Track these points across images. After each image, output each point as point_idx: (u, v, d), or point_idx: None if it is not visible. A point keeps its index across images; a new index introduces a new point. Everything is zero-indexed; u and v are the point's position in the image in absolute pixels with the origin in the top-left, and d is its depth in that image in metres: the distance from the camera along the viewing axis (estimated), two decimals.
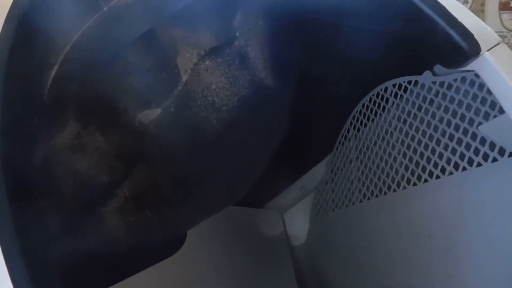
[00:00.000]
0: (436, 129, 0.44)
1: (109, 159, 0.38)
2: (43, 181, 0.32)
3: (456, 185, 0.41)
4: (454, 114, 0.41)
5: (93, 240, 0.37)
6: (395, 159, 0.50)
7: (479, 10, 0.91)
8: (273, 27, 0.43)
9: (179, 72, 0.39)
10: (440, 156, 0.43)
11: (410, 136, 0.48)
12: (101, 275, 0.36)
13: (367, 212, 0.56)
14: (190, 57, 0.39)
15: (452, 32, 0.26)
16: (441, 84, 0.42)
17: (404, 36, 0.30)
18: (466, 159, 0.39)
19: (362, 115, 0.59)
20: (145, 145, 0.40)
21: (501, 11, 0.93)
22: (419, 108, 0.47)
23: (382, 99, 0.54)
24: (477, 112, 0.38)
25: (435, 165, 0.43)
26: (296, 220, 0.78)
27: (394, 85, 0.51)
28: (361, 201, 0.57)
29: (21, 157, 0.29)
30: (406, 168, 0.48)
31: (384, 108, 0.53)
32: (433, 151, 0.44)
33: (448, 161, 0.42)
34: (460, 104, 0.40)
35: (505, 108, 0.28)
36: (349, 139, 0.62)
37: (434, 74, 0.42)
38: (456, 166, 0.41)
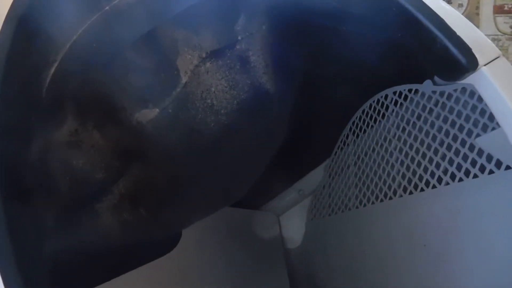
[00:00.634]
0: (434, 138, 0.44)
1: (105, 156, 0.38)
2: (39, 177, 0.32)
3: (452, 195, 0.41)
4: (453, 124, 0.41)
5: (86, 236, 0.37)
6: (392, 167, 0.50)
7: (474, 14, 0.92)
8: (276, 32, 0.43)
9: (179, 73, 0.39)
10: (437, 165, 0.43)
11: (408, 144, 0.48)
12: (93, 272, 0.36)
13: (362, 219, 0.56)
14: (191, 59, 0.39)
15: (449, 45, 0.26)
16: (441, 93, 0.42)
17: (404, 45, 0.30)
18: (463, 170, 0.39)
19: (361, 121, 0.59)
20: (142, 144, 0.40)
21: (496, 15, 0.93)
22: (418, 117, 0.47)
23: (382, 106, 0.54)
24: (475, 124, 0.38)
25: (432, 174, 0.43)
26: (292, 223, 0.78)
27: (394, 93, 0.51)
28: (357, 207, 0.57)
29: (17, 153, 0.29)
30: (403, 176, 0.48)
31: (383, 115, 0.53)
32: (431, 160, 0.44)
33: (445, 171, 0.42)
34: (459, 114, 0.40)
35: (500, 123, 0.28)
36: (348, 144, 0.62)
37: (435, 84, 0.42)
38: (453, 177, 0.41)
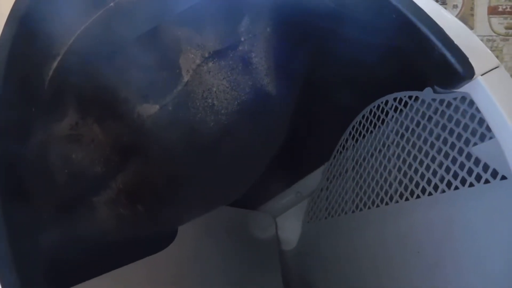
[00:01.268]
0: (432, 146, 0.44)
1: (104, 151, 0.38)
2: (37, 169, 0.33)
3: (448, 203, 0.41)
4: (451, 132, 0.42)
5: (82, 229, 0.37)
6: (390, 173, 0.50)
7: (468, 15, 0.93)
8: (280, 34, 0.43)
9: (181, 72, 0.39)
10: (434, 173, 0.43)
11: (406, 151, 0.48)
12: (88, 265, 0.37)
13: (358, 223, 0.57)
14: (194, 58, 0.39)
15: (447, 54, 0.27)
16: (441, 102, 0.43)
17: (403, 51, 0.31)
18: (459, 178, 0.40)
19: (361, 126, 0.59)
20: (141, 140, 0.40)
21: (490, 15, 0.94)
22: (418, 124, 0.47)
23: (382, 111, 0.54)
24: (473, 133, 0.38)
25: (429, 181, 0.44)
26: (288, 224, 0.78)
27: (395, 99, 0.51)
28: (353, 211, 0.57)
29: (16, 145, 0.29)
30: (400, 182, 0.48)
31: (383, 121, 0.54)
32: (428, 167, 0.44)
33: (442, 179, 0.42)
34: (457, 123, 0.41)
35: (495, 133, 0.28)
36: (347, 148, 0.63)
37: (435, 92, 0.42)
38: (449, 185, 0.41)
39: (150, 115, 0.38)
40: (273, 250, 0.75)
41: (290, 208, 0.78)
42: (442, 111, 0.43)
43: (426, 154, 0.45)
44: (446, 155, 0.42)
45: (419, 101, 0.46)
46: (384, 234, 0.51)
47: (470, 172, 0.38)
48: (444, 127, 0.43)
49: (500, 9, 0.94)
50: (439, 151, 0.43)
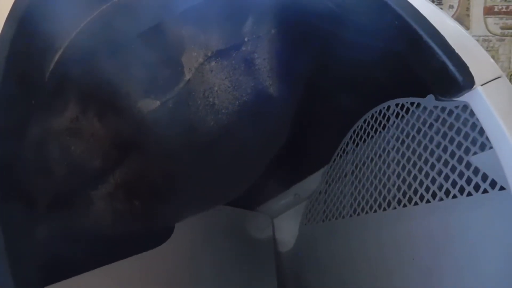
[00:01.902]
0: (432, 153, 0.44)
1: (104, 145, 0.38)
2: (36, 160, 0.33)
3: (445, 211, 0.41)
4: (452, 140, 0.41)
5: (79, 222, 0.38)
6: (388, 178, 0.50)
7: (464, 15, 0.93)
8: (284, 37, 0.43)
9: (183, 70, 0.39)
10: (433, 181, 0.43)
11: (406, 157, 0.48)
12: (82, 258, 0.37)
13: (355, 228, 0.57)
14: (196, 57, 0.39)
15: (448, 62, 0.26)
16: (443, 109, 0.42)
17: (404, 57, 0.31)
18: (457, 187, 0.40)
19: (362, 130, 0.59)
20: (140, 135, 0.40)
21: (486, 16, 0.94)
22: (418, 131, 0.47)
23: (383, 117, 0.54)
24: (474, 142, 0.38)
25: (427, 189, 0.43)
26: (285, 226, 0.78)
27: (396, 105, 0.51)
28: (350, 215, 0.57)
29: (15, 136, 0.29)
30: (399, 188, 0.48)
31: (384, 126, 0.53)
32: (427, 175, 0.44)
33: (440, 187, 0.42)
34: (458, 131, 0.40)
35: (493, 143, 0.28)
36: (347, 153, 0.63)
37: (437, 99, 0.42)
38: (447, 193, 0.41)
39: (150, 110, 0.38)
40: (269, 251, 0.75)
41: (288, 210, 0.78)
42: (444, 118, 0.43)
43: (426, 161, 0.44)
44: (446, 163, 0.42)
45: (421, 107, 0.46)
46: (380, 239, 0.51)
47: (469, 181, 0.38)
48: (444, 135, 0.42)
49: (495, 9, 0.95)
50: (438, 158, 0.43)
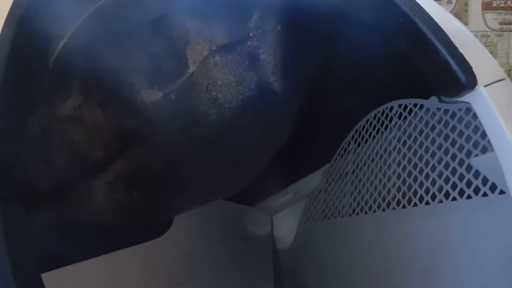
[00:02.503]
0: (433, 155, 0.44)
1: (106, 135, 0.39)
2: (37, 148, 0.33)
3: (444, 213, 0.41)
4: (453, 143, 0.41)
5: (78, 211, 0.38)
6: (389, 179, 0.50)
7: (462, 10, 0.93)
8: (290, 33, 0.43)
9: (187, 62, 0.39)
10: (433, 182, 0.43)
11: (407, 158, 0.48)
12: (80, 248, 0.37)
13: (354, 227, 0.57)
14: (201, 50, 0.39)
15: (451, 61, 0.26)
16: (445, 111, 0.42)
17: (409, 55, 0.30)
18: (457, 189, 0.39)
19: (364, 130, 0.59)
20: (142, 126, 0.40)
21: (484, 11, 0.94)
22: (420, 132, 0.47)
23: (386, 117, 0.54)
24: (475, 145, 0.38)
25: (427, 191, 0.43)
26: (284, 223, 0.78)
27: (400, 105, 0.51)
28: (350, 215, 0.57)
29: (16, 122, 0.29)
30: (399, 189, 0.48)
31: (386, 126, 0.53)
32: (427, 176, 0.44)
33: (440, 189, 0.42)
34: (460, 134, 0.40)
35: (494, 145, 0.28)
36: (349, 152, 0.63)
37: (440, 101, 0.42)
38: (447, 195, 0.41)
39: (153, 102, 0.39)
40: (267, 248, 0.75)
41: (287, 207, 0.78)
42: (446, 121, 0.43)
43: (427, 163, 0.44)
44: (447, 165, 0.42)
45: (424, 109, 0.46)
46: (379, 240, 0.51)
47: (469, 184, 0.38)
48: (446, 137, 0.42)
49: (494, 5, 0.95)
50: (439, 160, 0.43)
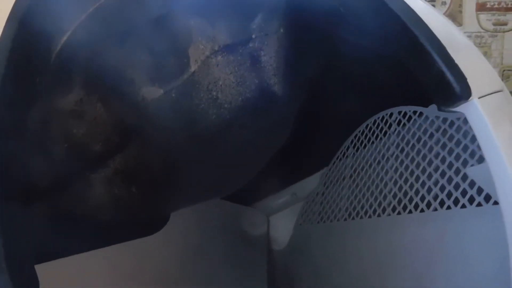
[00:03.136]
0: (430, 163, 0.44)
1: (106, 130, 0.39)
2: (36, 140, 0.33)
3: (438, 221, 0.41)
4: (451, 152, 0.41)
5: (75, 204, 0.38)
6: (385, 185, 0.50)
7: (457, 11, 0.94)
8: (293, 36, 0.43)
9: (189, 61, 0.39)
10: (429, 190, 0.43)
11: (404, 165, 0.48)
12: (75, 241, 0.37)
13: (350, 231, 0.57)
14: (203, 50, 0.40)
15: (446, 71, 0.27)
16: (444, 120, 0.43)
17: (407, 63, 0.31)
18: (452, 198, 0.40)
19: (364, 135, 0.59)
20: (142, 123, 0.41)
21: (478, 12, 0.95)
22: (419, 140, 0.47)
23: (385, 123, 0.54)
24: (472, 155, 0.38)
25: (422, 198, 0.44)
26: (281, 225, 0.78)
27: (399, 112, 0.51)
28: (345, 219, 0.57)
29: (16, 113, 0.30)
30: (395, 195, 0.48)
31: (385, 133, 0.54)
32: (423, 184, 0.44)
33: (435, 197, 0.42)
34: (458, 143, 0.41)
35: (486, 157, 0.29)
36: (347, 156, 0.63)
37: (439, 109, 0.42)
38: (442, 204, 0.41)
39: (153, 99, 0.39)
40: (262, 248, 0.75)
41: (284, 209, 0.79)
42: (444, 129, 0.43)
43: (423, 171, 0.45)
44: (443, 174, 0.42)
45: (423, 117, 0.46)
46: (374, 245, 0.51)
47: (464, 193, 0.38)
48: (444, 146, 0.43)
49: (488, 6, 0.95)
50: (436, 169, 0.43)
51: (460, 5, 0.94)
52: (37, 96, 0.32)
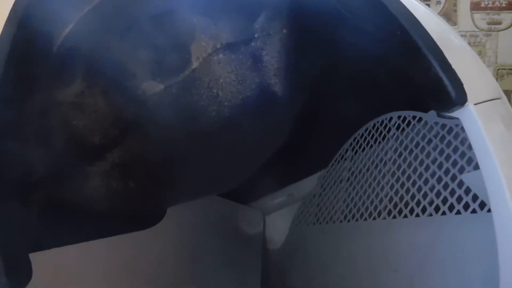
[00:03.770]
0: (427, 168, 0.44)
1: (105, 123, 0.39)
2: (36, 129, 0.33)
3: (433, 227, 0.41)
4: (448, 158, 0.42)
5: (72, 196, 0.38)
6: (382, 189, 0.51)
7: (451, 10, 0.95)
8: (295, 37, 0.43)
9: (191, 58, 0.40)
10: (425, 195, 0.43)
11: (401, 169, 0.48)
12: (71, 231, 0.37)
13: (345, 233, 0.57)
14: (205, 47, 0.40)
15: (443, 76, 0.27)
16: (443, 126, 0.43)
17: (405, 67, 0.31)
18: (447, 204, 0.40)
19: (362, 139, 0.59)
20: (142, 117, 0.41)
21: (473, 11, 0.96)
22: (417, 145, 0.47)
23: (385, 128, 0.54)
24: (469, 161, 0.39)
25: (418, 203, 0.44)
26: (277, 224, 0.79)
27: (399, 117, 0.51)
28: (341, 221, 0.57)
29: (16, 103, 0.30)
30: (391, 199, 0.48)
31: (384, 137, 0.54)
32: (419, 189, 0.44)
33: (431, 203, 0.42)
34: (455, 149, 0.41)
35: (479, 164, 0.29)
36: (345, 159, 0.63)
37: (438, 115, 0.43)
38: (437, 209, 0.41)
39: (154, 93, 0.39)
40: (258, 247, 0.75)
41: (280, 209, 0.79)
42: (443, 135, 0.43)
43: (420, 176, 0.45)
44: (439, 180, 0.42)
45: (422, 122, 0.46)
46: (368, 247, 0.51)
47: (459, 199, 0.39)
48: (441, 152, 0.43)
49: (482, 5, 0.97)
50: (433, 174, 0.43)
51: (455, 4, 0.95)
52: (37, 88, 0.32)
